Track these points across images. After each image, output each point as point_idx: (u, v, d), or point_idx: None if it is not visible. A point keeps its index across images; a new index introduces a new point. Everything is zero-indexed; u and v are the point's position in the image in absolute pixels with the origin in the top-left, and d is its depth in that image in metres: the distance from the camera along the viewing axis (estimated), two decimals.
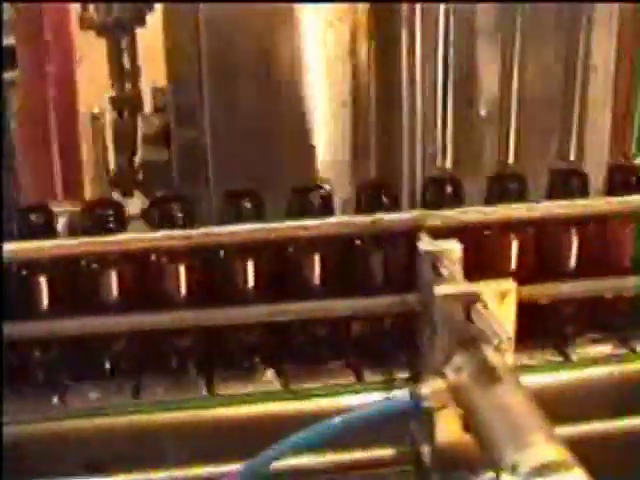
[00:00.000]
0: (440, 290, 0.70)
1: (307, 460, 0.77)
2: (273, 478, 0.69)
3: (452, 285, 0.71)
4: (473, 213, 0.86)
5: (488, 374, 0.64)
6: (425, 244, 0.77)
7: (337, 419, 0.67)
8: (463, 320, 0.68)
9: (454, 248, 0.76)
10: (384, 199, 0.89)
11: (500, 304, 0.70)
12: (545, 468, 0.57)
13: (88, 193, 0.95)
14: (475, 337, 0.68)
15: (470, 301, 0.69)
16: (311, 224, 0.84)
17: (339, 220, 0.87)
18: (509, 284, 0.71)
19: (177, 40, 0.90)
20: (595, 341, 0.94)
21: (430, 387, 0.68)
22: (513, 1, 0.93)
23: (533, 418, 0.62)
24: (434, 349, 0.69)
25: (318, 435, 0.67)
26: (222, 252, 0.89)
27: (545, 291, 0.89)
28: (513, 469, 0.57)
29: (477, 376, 0.66)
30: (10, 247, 0.81)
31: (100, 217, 0.87)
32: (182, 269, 0.86)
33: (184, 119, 0.93)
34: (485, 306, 0.68)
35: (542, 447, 0.58)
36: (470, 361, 0.67)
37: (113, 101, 1.11)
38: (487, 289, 0.70)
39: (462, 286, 0.70)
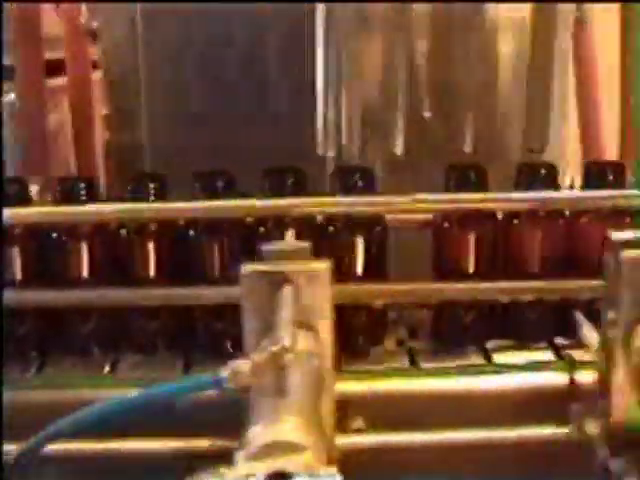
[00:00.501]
0: (248, 267, 0.66)
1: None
2: None
3: (260, 263, 0.66)
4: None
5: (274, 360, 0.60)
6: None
7: (140, 394, 0.66)
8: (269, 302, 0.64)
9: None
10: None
11: (314, 286, 0.65)
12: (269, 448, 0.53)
13: None
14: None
15: (276, 282, 0.65)
16: None
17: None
18: (322, 265, 0.66)
19: None
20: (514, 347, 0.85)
21: (230, 369, 0.65)
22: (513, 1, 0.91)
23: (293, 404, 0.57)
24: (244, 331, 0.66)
25: (120, 409, 0.66)
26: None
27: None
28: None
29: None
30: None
31: None
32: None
33: None
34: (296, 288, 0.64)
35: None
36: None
37: None
38: (298, 269, 0.65)
39: (269, 265, 0.66)
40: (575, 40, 1.33)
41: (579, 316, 0.83)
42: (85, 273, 0.85)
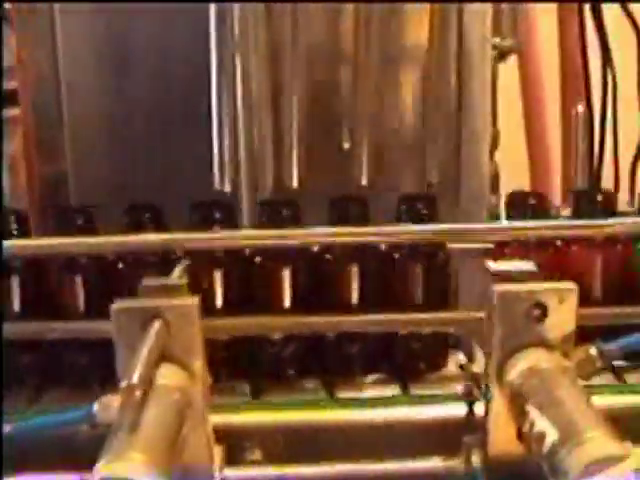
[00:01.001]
0: (119, 304, 0.66)
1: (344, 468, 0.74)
2: None
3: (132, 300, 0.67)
4: None
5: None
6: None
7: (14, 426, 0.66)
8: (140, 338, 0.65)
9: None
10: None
11: (183, 322, 0.65)
12: None
13: None
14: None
15: (147, 318, 0.65)
16: None
17: None
18: (191, 301, 0.66)
19: None
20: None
21: (100, 404, 0.65)
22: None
23: None
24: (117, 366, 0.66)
25: None
26: None
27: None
28: None
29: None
30: None
31: None
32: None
33: None
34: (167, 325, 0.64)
35: None
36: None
37: None
38: (167, 305, 0.65)
39: (139, 302, 0.66)
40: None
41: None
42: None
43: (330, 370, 0.86)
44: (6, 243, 0.80)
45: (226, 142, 0.84)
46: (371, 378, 0.87)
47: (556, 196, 1.26)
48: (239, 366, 0.85)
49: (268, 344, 0.84)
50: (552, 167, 1.35)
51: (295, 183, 0.85)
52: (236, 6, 0.84)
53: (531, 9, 1.31)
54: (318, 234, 0.81)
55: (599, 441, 0.53)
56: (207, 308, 0.80)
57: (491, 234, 0.83)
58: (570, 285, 0.65)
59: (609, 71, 1.10)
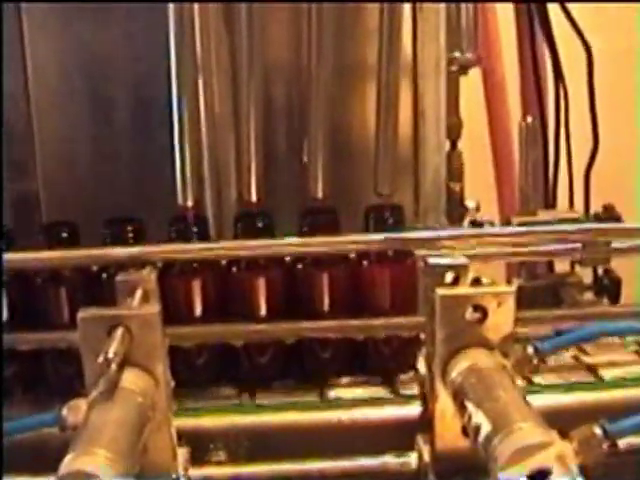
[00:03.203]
0: (85, 312, 0.68)
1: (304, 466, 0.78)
2: None
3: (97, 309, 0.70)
4: None
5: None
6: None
7: None
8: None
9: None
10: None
11: (146, 329, 0.70)
12: None
13: None
14: None
15: (110, 325, 0.69)
16: None
17: None
18: (153, 309, 0.70)
19: None
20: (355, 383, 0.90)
21: (69, 407, 0.69)
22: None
23: None
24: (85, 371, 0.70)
25: None
26: None
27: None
28: None
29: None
30: None
31: None
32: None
33: None
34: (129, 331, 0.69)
35: None
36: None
37: None
38: (130, 314, 0.69)
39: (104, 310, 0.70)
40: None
41: None
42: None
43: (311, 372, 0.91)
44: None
45: (187, 158, 0.87)
46: (345, 380, 0.91)
47: None
48: None
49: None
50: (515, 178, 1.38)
51: (254, 197, 0.88)
52: (197, 24, 0.88)
53: (491, 21, 1.33)
54: (293, 244, 0.86)
55: (527, 431, 0.57)
56: (184, 316, 0.87)
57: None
58: (508, 288, 0.70)
59: (561, 84, 1.14)
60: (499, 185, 1.36)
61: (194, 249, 0.85)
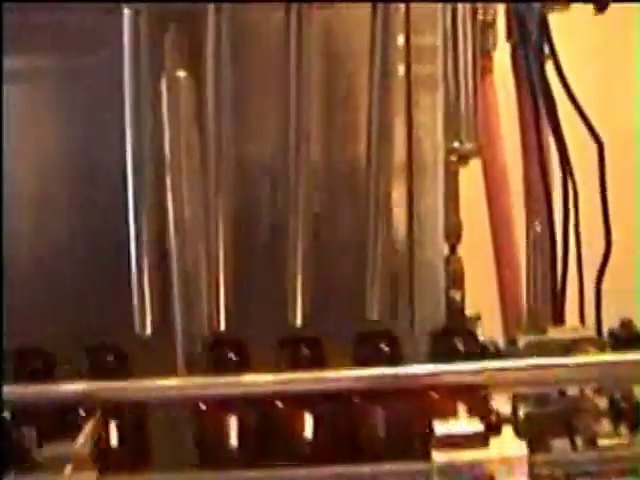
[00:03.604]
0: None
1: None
2: None
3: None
4: None
5: None
6: None
7: None
8: None
9: None
10: None
11: None
12: None
13: None
14: None
15: None
16: None
17: None
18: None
19: None
20: None
21: None
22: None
23: None
24: None
25: None
26: None
27: None
28: None
29: None
30: None
31: None
32: None
33: None
34: None
35: None
36: None
37: None
38: None
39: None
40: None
41: None
42: None
43: None
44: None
45: (146, 281, 0.76)
46: None
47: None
48: None
49: None
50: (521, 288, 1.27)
51: (223, 325, 0.77)
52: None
53: (492, 112, 1.22)
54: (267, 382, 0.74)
55: None
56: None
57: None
58: (521, 450, 0.58)
59: (569, 180, 1.03)
60: (502, 291, 1.24)
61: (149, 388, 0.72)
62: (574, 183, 1.07)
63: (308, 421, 0.76)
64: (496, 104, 1.20)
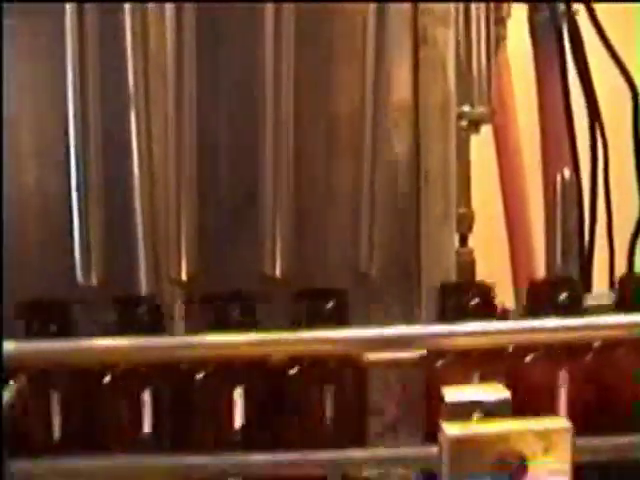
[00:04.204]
0: None
1: None
2: None
3: None
4: None
5: None
6: None
7: None
8: None
9: None
10: None
11: None
12: None
13: None
14: None
15: None
16: None
17: None
18: None
19: None
20: None
21: None
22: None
23: None
24: None
25: None
26: None
27: None
28: None
29: None
30: None
31: None
32: None
33: None
34: None
35: None
36: None
37: None
38: None
39: None
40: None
41: None
42: None
43: None
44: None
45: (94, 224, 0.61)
46: None
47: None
48: None
49: None
50: (536, 254, 1.16)
51: (184, 276, 0.62)
52: None
53: (505, 73, 1.13)
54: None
55: None
56: None
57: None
58: (562, 423, 0.42)
59: (598, 134, 0.89)
60: (515, 269, 1.13)
61: None
62: (603, 133, 0.94)
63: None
64: (509, 72, 1.13)
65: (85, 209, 0.63)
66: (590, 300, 0.74)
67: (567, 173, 0.80)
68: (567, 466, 0.43)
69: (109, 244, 0.65)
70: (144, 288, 0.68)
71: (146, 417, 0.61)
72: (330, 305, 0.60)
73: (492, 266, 0.99)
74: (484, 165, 1.10)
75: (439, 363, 0.60)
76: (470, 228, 0.98)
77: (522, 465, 0.42)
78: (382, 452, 0.59)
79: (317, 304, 0.60)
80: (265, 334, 0.58)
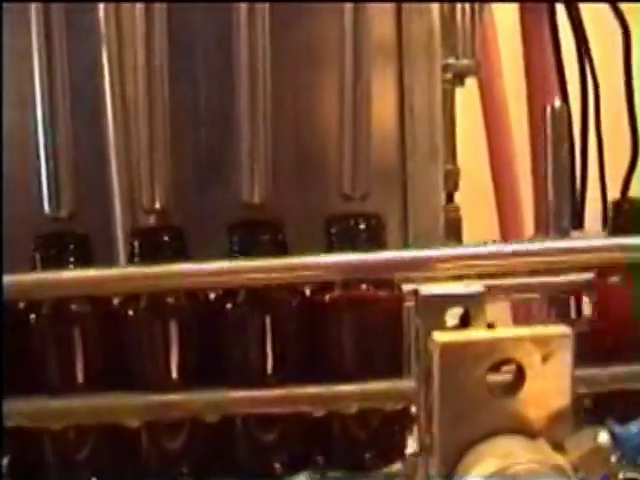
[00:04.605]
0: None
1: None
2: None
3: None
4: None
5: None
6: None
7: None
8: None
9: None
10: None
11: None
12: None
13: None
14: None
15: None
16: None
17: None
18: None
19: None
20: None
21: None
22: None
23: None
24: None
25: None
26: None
27: None
28: None
29: None
30: None
31: None
32: None
33: None
34: None
35: None
36: None
37: None
38: None
39: None
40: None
41: None
42: None
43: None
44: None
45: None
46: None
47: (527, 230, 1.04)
48: None
49: None
50: (521, 203, 1.14)
51: (158, 204, 0.58)
52: None
53: (489, 26, 1.11)
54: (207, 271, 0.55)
55: None
56: None
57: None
58: (562, 330, 0.39)
59: (587, 64, 0.87)
60: (502, 223, 1.11)
61: None
62: (593, 68, 0.91)
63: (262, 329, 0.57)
64: (493, 23, 1.11)
65: (53, 140, 0.59)
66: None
67: (557, 103, 0.77)
68: (567, 377, 0.40)
69: (83, 176, 0.61)
70: (119, 220, 0.65)
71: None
72: None
73: (479, 223, 0.97)
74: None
75: None
76: (456, 185, 0.96)
77: (519, 374, 0.39)
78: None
79: None
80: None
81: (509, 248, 0.55)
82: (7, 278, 0.56)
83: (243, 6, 0.58)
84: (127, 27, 0.66)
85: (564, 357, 0.39)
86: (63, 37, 0.58)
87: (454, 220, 0.94)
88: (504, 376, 0.41)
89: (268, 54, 0.59)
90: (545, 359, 0.39)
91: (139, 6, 0.58)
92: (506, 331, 0.40)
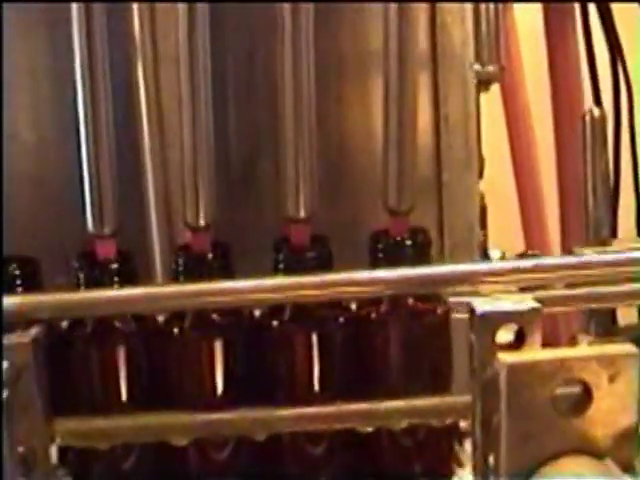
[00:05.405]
0: None
1: None
2: None
3: None
4: None
5: None
6: None
7: None
8: None
9: None
10: None
11: None
12: None
13: None
14: None
15: None
16: None
17: None
18: None
19: None
20: None
21: None
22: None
23: None
24: None
25: None
26: None
27: None
28: None
29: None
30: None
31: None
32: None
33: None
34: None
35: None
36: None
37: None
38: None
39: None
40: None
41: None
42: None
43: None
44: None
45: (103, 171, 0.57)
46: None
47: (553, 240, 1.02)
48: None
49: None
50: (546, 212, 1.13)
51: (202, 220, 0.58)
52: None
53: (512, 32, 1.08)
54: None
55: None
56: None
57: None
58: (628, 348, 0.39)
59: (620, 65, 0.86)
60: (525, 229, 1.09)
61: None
62: (625, 69, 0.90)
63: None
64: (514, 23, 1.07)
65: (95, 157, 0.59)
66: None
67: (595, 110, 0.76)
68: (634, 395, 0.39)
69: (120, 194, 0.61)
70: (156, 236, 0.65)
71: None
72: None
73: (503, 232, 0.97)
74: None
75: None
76: (481, 174, 0.95)
77: (586, 394, 0.39)
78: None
79: None
80: None
81: (573, 260, 0.54)
82: (51, 297, 0.55)
83: (287, 18, 0.57)
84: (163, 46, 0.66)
85: (631, 376, 0.38)
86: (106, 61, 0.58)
87: (480, 208, 0.93)
88: (565, 389, 0.41)
89: (312, 67, 0.58)
90: (612, 379, 0.38)
91: (182, 23, 0.57)
92: (571, 351, 0.39)
